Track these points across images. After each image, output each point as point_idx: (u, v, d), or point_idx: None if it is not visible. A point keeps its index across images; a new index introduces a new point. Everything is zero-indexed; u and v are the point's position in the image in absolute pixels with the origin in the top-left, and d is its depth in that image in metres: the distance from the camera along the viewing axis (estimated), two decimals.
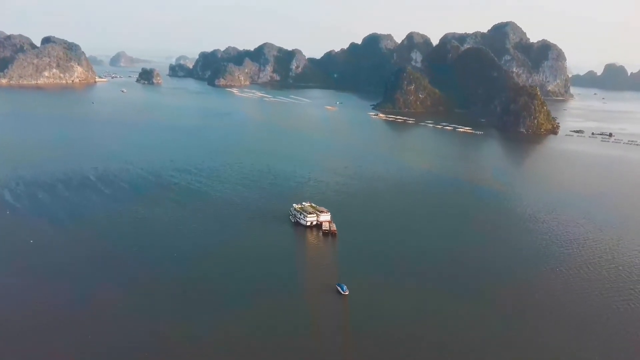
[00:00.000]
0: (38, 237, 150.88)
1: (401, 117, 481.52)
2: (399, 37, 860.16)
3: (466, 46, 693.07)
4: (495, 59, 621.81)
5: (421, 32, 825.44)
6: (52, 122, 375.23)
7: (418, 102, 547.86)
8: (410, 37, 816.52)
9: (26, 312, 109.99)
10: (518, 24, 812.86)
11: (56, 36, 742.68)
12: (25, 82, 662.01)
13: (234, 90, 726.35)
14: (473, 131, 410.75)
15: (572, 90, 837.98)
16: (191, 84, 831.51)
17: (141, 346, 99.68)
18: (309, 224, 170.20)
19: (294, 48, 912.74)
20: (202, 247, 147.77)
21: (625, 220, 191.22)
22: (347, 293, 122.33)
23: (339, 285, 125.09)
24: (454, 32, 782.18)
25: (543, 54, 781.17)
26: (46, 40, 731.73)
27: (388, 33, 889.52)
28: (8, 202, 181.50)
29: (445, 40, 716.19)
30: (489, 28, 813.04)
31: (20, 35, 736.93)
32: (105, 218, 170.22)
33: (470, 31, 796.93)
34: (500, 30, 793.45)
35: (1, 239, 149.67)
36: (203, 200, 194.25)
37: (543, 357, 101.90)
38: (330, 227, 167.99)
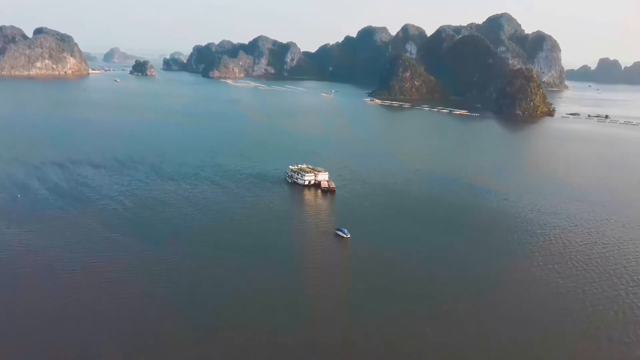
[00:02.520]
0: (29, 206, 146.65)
1: (397, 102, 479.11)
2: (393, 31, 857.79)
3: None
4: (491, 45, 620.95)
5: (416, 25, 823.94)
6: (45, 110, 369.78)
7: (414, 89, 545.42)
8: (405, 29, 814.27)
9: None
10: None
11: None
12: (17, 72, 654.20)
13: (228, 81, 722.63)
14: (469, 113, 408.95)
15: (567, 83, 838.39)
16: (185, 76, 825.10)
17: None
18: (307, 182, 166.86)
19: (288, 41, 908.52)
20: (201, 211, 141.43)
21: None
22: (348, 236, 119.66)
23: (341, 230, 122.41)
24: (449, 24, 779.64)
25: (538, 45, 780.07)
26: (38, 31, 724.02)
27: (383, 26, 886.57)
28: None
29: (440, 30, 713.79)
30: (484, 20, 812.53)
31: (12, 27, 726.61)
32: (101, 186, 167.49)
33: (465, 24, 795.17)
34: (495, 22, 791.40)
35: None
36: (202, 169, 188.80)
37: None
38: (329, 185, 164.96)
